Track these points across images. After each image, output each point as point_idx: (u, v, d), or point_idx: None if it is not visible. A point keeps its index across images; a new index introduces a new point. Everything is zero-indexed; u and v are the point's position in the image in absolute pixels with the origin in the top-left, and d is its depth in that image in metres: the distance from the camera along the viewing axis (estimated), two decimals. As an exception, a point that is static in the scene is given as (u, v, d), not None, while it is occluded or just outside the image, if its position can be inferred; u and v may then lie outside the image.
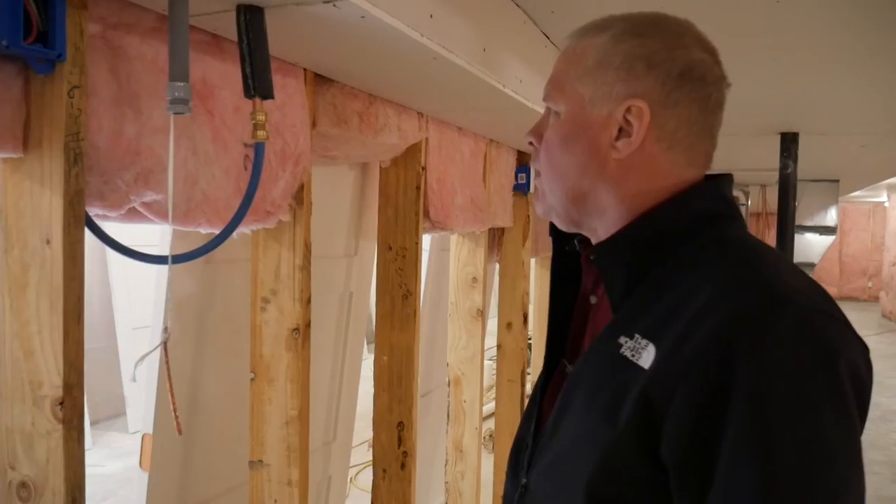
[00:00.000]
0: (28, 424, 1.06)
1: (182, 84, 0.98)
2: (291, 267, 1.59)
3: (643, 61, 0.84)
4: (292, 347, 1.59)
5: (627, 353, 0.79)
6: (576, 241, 0.98)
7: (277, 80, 1.47)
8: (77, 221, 1.04)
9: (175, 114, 0.99)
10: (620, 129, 0.86)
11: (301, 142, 1.53)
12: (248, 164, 1.41)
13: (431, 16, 1.30)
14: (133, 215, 1.22)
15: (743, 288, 0.76)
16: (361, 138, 1.76)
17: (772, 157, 3.65)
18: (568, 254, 1.00)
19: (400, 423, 2.21)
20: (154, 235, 1.65)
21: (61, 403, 1.04)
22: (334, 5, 1.07)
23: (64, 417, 1.04)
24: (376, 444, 2.24)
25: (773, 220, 5.38)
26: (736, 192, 6.83)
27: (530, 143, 0.96)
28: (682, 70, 0.84)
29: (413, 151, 2.12)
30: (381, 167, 2.13)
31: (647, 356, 0.77)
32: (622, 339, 0.81)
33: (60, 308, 1.03)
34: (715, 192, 0.89)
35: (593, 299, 0.95)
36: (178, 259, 1.08)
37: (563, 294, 0.99)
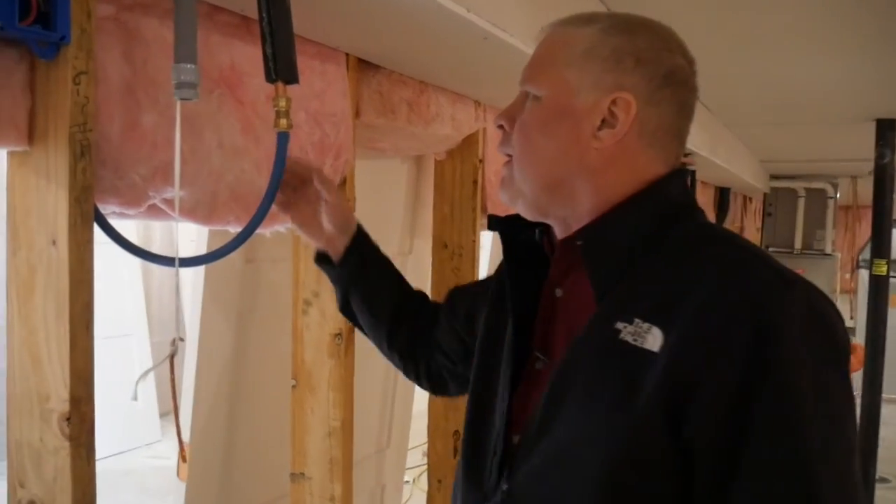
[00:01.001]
0: (36, 440, 0.98)
1: (189, 66, 0.87)
2: (334, 267, 1.48)
3: (632, 57, 0.85)
4: (335, 354, 1.49)
5: (628, 338, 0.78)
6: (537, 231, 0.95)
7: (316, 65, 1.37)
8: (85, 220, 0.95)
9: (182, 99, 0.89)
10: (604, 120, 0.85)
11: (342, 132, 1.42)
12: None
13: (477, -10, 1.16)
14: (154, 212, 1.13)
15: (752, 269, 0.79)
16: (411, 129, 1.63)
17: (865, 146, 3.36)
18: (520, 246, 0.96)
19: (456, 432, 2.08)
20: (193, 231, 1.56)
21: (68, 419, 0.95)
22: (362, -28, 0.95)
23: (71, 434, 0.95)
24: (431, 453, 2.13)
25: (865, 214, 5.02)
26: (823, 185, 6.43)
27: (500, 127, 0.93)
28: (667, 72, 0.86)
29: (470, 143, 1.99)
30: (435, 160, 2.01)
31: (652, 339, 0.77)
32: (619, 325, 0.79)
33: (67, 314, 0.94)
34: (681, 184, 0.91)
35: (559, 292, 0.91)
36: (186, 262, 0.98)
37: (521, 288, 0.94)
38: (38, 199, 0.96)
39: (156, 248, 1.57)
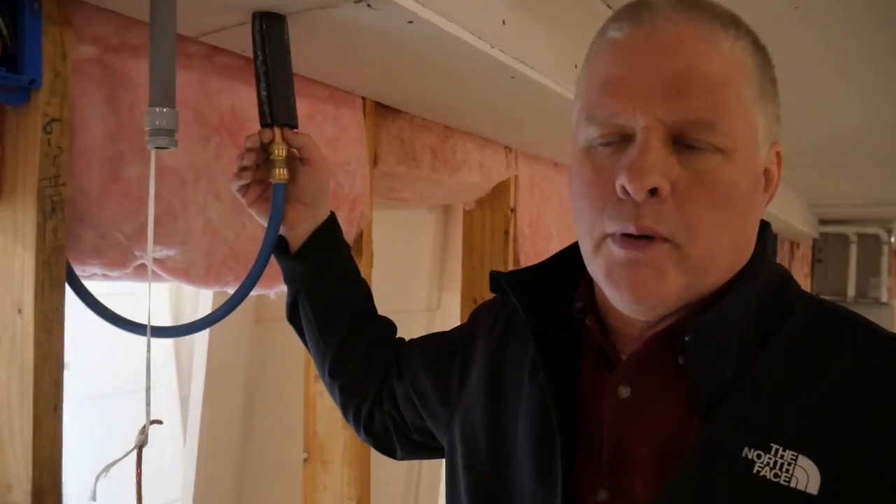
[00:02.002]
0: (-5, 538, 0.86)
1: (165, 111, 0.76)
2: (349, 329, 1.35)
3: (775, 86, 0.65)
4: (350, 426, 1.35)
5: (768, 473, 0.57)
6: (579, 307, 0.71)
7: (329, 110, 1.26)
8: (55, 286, 0.84)
9: (156, 148, 0.77)
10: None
11: (357, 182, 1.30)
12: (291, 210, 1.20)
13: (504, 22, 1.05)
14: (143, 273, 1.01)
15: None
16: (435, 177, 1.51)
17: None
18: (547, 319, 0.72)
19: None
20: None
21: (30, 514, 0.83)
22: (369, 5, 0.84)
23: (33, 532, 0.83)
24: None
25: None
26: (876, 230, 6.15)
27: (652, 192, 0.60)
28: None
29: (500, 191, 1.86)
30: (464, 209, 1.88)
31: (804, 476, 0.56)
32: (750, 454, 0.57)
33: (31, 394, 0.83)
34: (771, 246, 0.75)
35: (625, 391, 0.65)
36: (159, 332, 0.85)
37: (560, 382, 0.69)
38: (3, 262, 0.85)
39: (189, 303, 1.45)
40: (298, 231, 0.95)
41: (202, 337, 1.38)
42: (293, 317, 1.02)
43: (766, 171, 0.65)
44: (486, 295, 1.87)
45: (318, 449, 1.37)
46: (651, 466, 0.62)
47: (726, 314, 0.62)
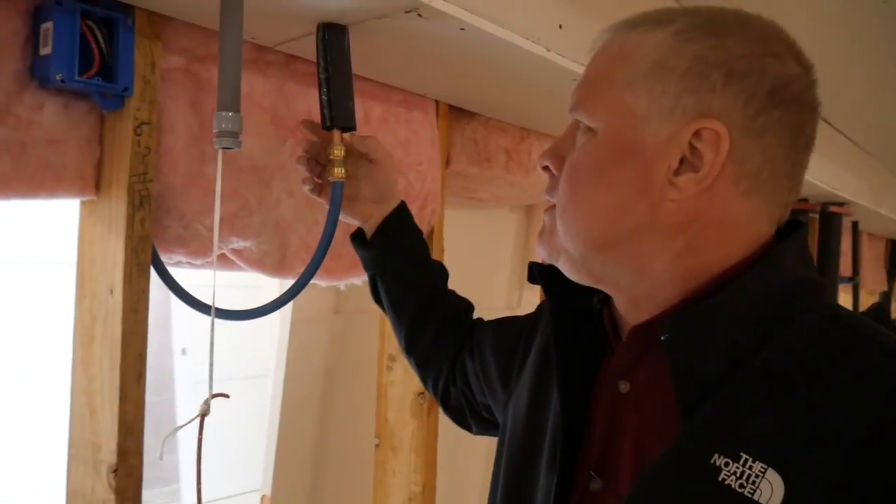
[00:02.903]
0: (88, 490, 0.97)
1: (230, 114, 0.84)
2: (419, 322, 1.41)
3: (721, 69, 0.61)
4: (418, 414, 1.41)
5: (733, 483, 0.55)
6: (596, 299, 0.74)
7: (401, 113, 1.33)
8: (141, 270, 0.95)
9: (223, 148, 0.86)
10: (683, 160, 0.62)
11: (428, 182, 1.36)
12: (363, 207, 1.27)
13: (561, 26, 1.08)
14: (224, 262, 1.12)
15: None
16: (509, 178, 1.55)
17: None
18: (571, 309, 0.75)
19: None
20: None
21: (115, 471, 0.93)
22: (420, 15, 0.90)
23: (117, 487, 0.93)
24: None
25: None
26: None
27: (545, 168, 0.71)
28: (773, 86, 0.62)
29: (581, 192, 1.87)
30: (544, 209, 1.91)
31: (768, 490, 0.54)
32: (717, 459, 0.56)
33: (118, 365, 0.93)
34: (801, 248, 0.66)
35: (624, 386, 0.67)
36: (223, 314, 0.94)
37: (573, 371, 0.71)
38: (101, 249, 0.96)
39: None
40: (373, 220, 1.05)
41: (284, 326, 1.48)
42: (376, 299, 1.11)
43: (694, 151, 0.61)
44: (565, 295, 1.89)
45: (388, 436, 1.44)
46: (633, 462, 0.64)
47: (711, 314, 0.61)
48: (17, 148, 0.87)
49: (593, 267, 0.67)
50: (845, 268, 3.56)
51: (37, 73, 0.87)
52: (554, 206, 0.70)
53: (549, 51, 1.06)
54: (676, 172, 0.62)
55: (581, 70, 1.13)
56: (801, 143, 0.64)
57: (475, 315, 1.12)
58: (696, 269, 0.63)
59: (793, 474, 0.53)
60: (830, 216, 2.84)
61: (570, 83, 1.19)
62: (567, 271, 0.70)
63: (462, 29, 0.95)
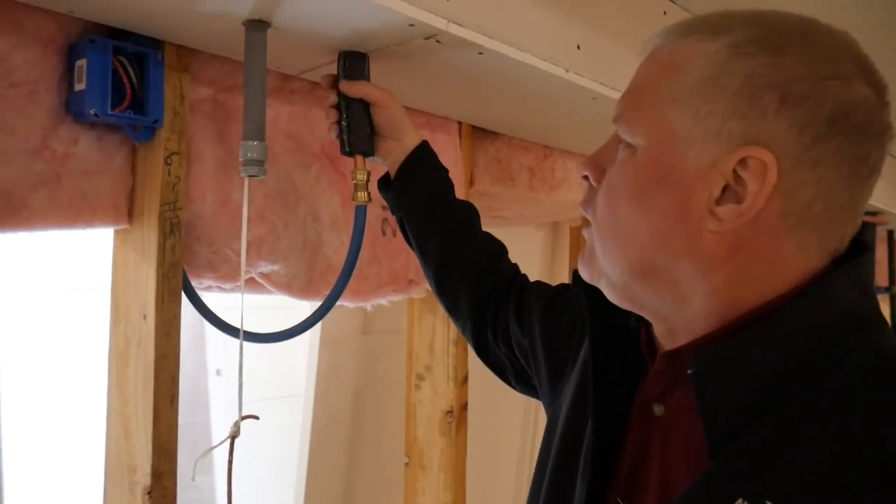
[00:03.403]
0: (124, 511, 1.00)
1: (255, 143, 0.87)
2: (446, 341, 1.43)
3: (775, 92, 0.55)
4: (446, 432, 1.42)
5: None
6: (633, 318, 0.70)
7: (424, 135, 1.34)
8: (172, 296, 0.97)
9: (249, 176, 0.89)
10: (726, 188, 0.57)
11: (452, 202, 1.37)
12: (388, 229, 1.29)
13: (579, 46, 1.09)
14: (252, 286, 1.14)
15: None
16: (533, 196, 1.56)
17: None
18: (610, 324, 0.71)
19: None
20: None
21: (150, 492, 0.96)
22: (438, 41, 0.92)
23: (152, 508, 0.96)
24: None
25: None
26: None
27: (585, 178, 0.67)
28: (833, 113, 0.55)
29: (606, 208, 1.87)
30: (570, 226, 1.92)
31: None
32: (741, 503, 0.52)
33: (152, 388, 0.96)
34: (858, 281, 0.59)
35: (658, 409, 0.64)
36: (251, 337, 0.96)
37: (608, 389, 0.68)
38: (134, 275, 1.00)
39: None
40: (391, 160, 1.03)
41: (313, 347, 1.50)
42: (408, 243, 1.07)
43: (738, 180, 0.56)
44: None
45: (417, 454, 1.45)
46: (658, 490, 0.62)
47: (741, 349, 0.57)
48: (53, 180, 0.90)
49: (633, 293, 0.64)
50: (881, 277, 3.50)
51: (72, 108, 0.91)
52: (591, 224, 0.66)
53: (567, 71, 1.08)
54: (718, 201, 0.57)
55: (601, 89, 1.15)
56: (863, 174, 0.58)
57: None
58: (736, 302, 0.59)
59: None
60: (864, 225, 2.80)
61: (590, 102, 1.20)
62: (609, 295, 0.66)
63: (480, 53, 0.97)
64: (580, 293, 0.78)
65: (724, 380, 0.57)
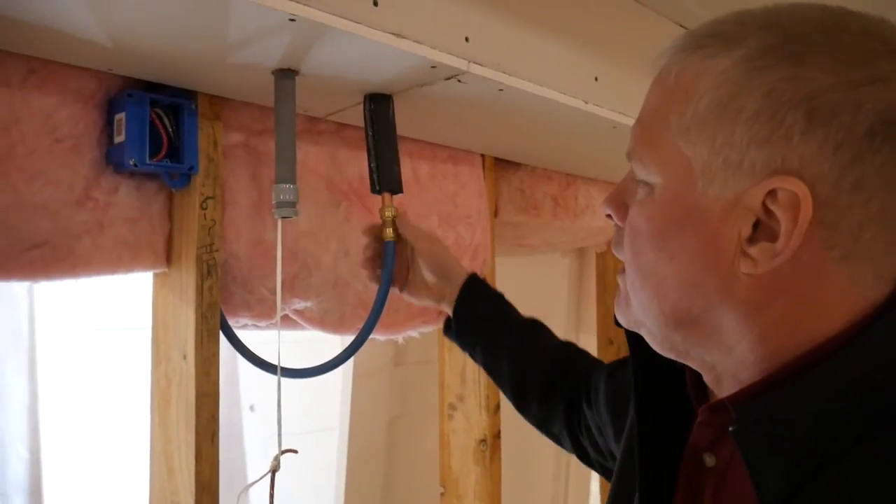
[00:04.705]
0: (170, 548, 1.02)
1: (288, 186, 0.90)
2: (476, 371, 1.44)
3: (800, 108, 0.47)
4: (480, 461, 1.43)
5: None
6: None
7: (448, 169, 1.38)
8: (211, 335, 1.01)
9: (282, 217, 0.92)
10: (758, 224, 0.50)
11: (478, 234, 1.40)
12: (416, 262, 1.32)
13: (596, 78, 1.12)
14: (287, 323, 1.17)
15: None
16: (558, 224, 1.58)
17: None
18: (656, 373, 0.64)
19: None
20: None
21: (194, 529, 0.98)
22: (459, 80, 0.95)
23: (197, 544, 0.98)
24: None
25: None
26: None
27: (608, 216, 0.61)
28: (872, 124, 0.47)
29: (631, 232, 1.89)
30: (596, 252, 1.93)
31: None
32: None
33: (193, 426, 0.99)
34: None
35: (710, 460, 0.58)
36: (288, 372, 0.99)
37: (654, 436, 0.62)
38: (173, 317, 1.03)
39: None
40: (446, 303, 1.08)
41: (346, 380, 1.53)
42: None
43: (769, 214, 0.49)
44: (622, 336, 1.90)
45: (452, 483, 1.46)
46: None
47: (788, 402, 0.50)
48: (96, 229, 0.94)
49: (675, 343, 0.58)
50: None
51: (112, 159, 0.95)
52: (624, 269, 0.60)
53: (586, 103, 1.10)
54: (750, 240, 0.50)
55: (620, 118, 1.18)
56: None
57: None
58: (785, 347, 0.52)
59: None
60: None
61: (610, 131, 1.23)
62: (651, 344, 0.60)
63: (500, 90, 1.00)
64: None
65: (770, 437, 0.50)
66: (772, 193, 0.49)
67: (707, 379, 0.59)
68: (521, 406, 1.07)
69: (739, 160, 0.50)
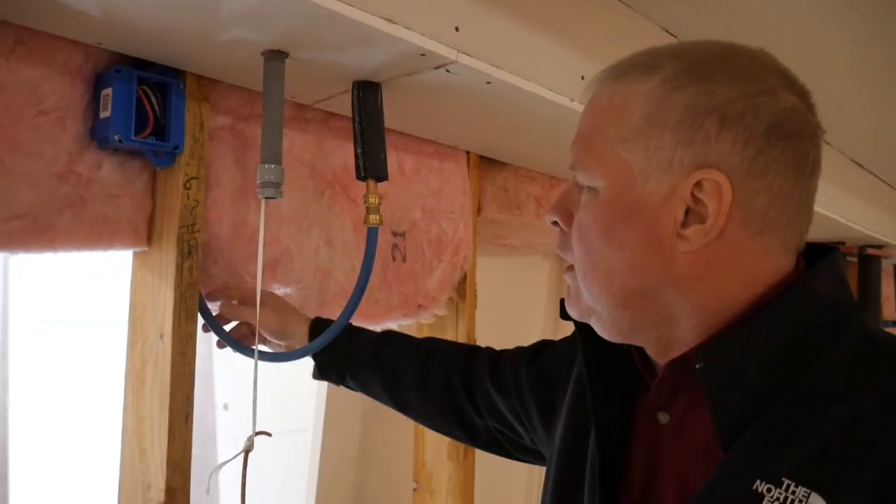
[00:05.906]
0: (138, 529, 1.01)
1: (272, 167, 0.91)
2: (454, 366, 1.44)
3: (713, 116, 0.61)
4: (454, 457, 1.43)
5: None
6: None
7: (434, 164, 1.39)
8: (189, 316, 1.00)
9: (266, 198, 0.92)
10: (688, 211, 0.63)
11: (461, 229, 1.41)
12: (398, 254, 1.32)
13: (583, 77, 1.13)
14: (266, 309, 1.17)
15: None
16: (539, 225, 1.59)
17: None
18: (603, 353, 0.74)
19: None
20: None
21: (163, 509, 0.97)
22: (448, 70, 0.96)
23: (166, 525, 0.97)
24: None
25: None
26: None
27: (554, 223, 0.71)
28: (769, 125, 0.61)
29: (612, 238, 1.90)
30: (564, 270, 1.94)
31: None
32: (761, 486, 0.56)
33: (167, 406, 0.98)
34: (834, 273, 0.66)
35: (664, 417, 0.68)
36: (265, 356, 0.99)
37: (607, 405, 0.72)
38: (151, 296, 1.03)
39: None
40: (298, 337, 1.09)
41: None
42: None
43: (697, 202, 0.62)
44: (599, 340, 1.90)
45: (426, 479, 1.46)
46: (675, 493, 0.65)
47: (742, 342, 0.62)
48: (78, 203, 0.94)
49: (623, 325, 0.68)
50: (889, 311, 3.49)
51: (96, 135, 0.95)
52: (573, 267, 0.70)
53: (572, 101, 1.11)
54: (684, 224, 0.63)
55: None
56: (805, 172, 0.64)
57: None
58: (721, 311, 0.64)
59: (837, 497, 0.53)
60: (869, 259, 2.82)
61: (594, 131, 1.24)
62: (600, 331, 0.70)
63: (488, 82, 1.01)
64: (563, 342, 0.88)
65: (732, 371, 0.61)
66: (698, 184, 0.62)
67: (653, 352, 0.69)
68: (399, 401, 1.11)
69: (670, 160, 0.62)
